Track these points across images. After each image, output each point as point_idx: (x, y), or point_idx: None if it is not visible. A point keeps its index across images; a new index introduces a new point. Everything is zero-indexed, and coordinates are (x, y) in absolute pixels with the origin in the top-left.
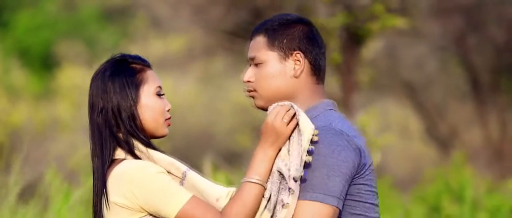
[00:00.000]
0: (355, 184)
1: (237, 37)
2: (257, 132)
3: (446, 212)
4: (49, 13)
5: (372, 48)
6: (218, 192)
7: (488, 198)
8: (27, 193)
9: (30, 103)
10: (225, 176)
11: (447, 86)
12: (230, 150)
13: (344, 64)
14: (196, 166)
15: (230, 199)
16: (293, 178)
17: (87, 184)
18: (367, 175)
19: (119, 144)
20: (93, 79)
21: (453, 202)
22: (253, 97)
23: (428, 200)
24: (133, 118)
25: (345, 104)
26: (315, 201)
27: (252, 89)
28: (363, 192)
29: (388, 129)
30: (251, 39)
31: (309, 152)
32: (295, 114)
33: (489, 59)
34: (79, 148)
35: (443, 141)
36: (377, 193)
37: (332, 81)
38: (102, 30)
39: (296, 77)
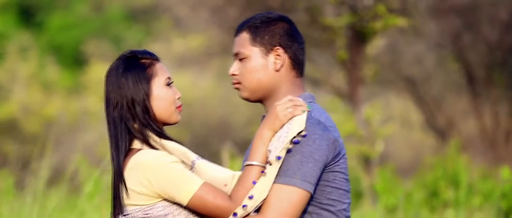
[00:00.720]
0: (331, 171)
1: None
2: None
3: (443, 196)
4: (79, 14)
5: (375, 46)
6: (225, 178)
7: (482, 183)
8: (59, 178)
9: (62, 96)
10: (241, 163)
11: (444, 81)
12: (246, 139)
13: (350, 61)
14: (214, 154)
15: (236, 183)
16: (268, 162)
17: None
18: (342, 163)
19: (135, 135)
20: (107, 76)
21: (450, 187)
22: (238, 89)
23: (427, 185)
24: (147, 110)
25: (351, 98)
26: (288, 184)
27: (237, 82)
28: (338, 179)
29: (390, 120)
30: (235, 36)
31: (294, 142)
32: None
33: (483, 56)
34: (107, 137)
35: (441, 131)
36: (349, 180)
37: (339, 76)
38: (128, 30)
39: (277, 71)
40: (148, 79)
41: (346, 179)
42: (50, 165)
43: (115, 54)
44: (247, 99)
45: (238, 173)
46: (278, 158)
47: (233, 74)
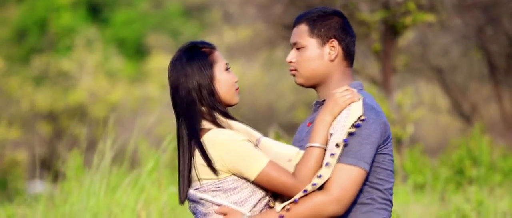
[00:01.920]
0: (381, 154)
1: None
2: (310, 106)
3: (467, 173)
4: (140, 10)
5: (406, 38)
6: (289, 154)
7: (503, 162)
8: (122, 157)
9: (125, 84)
10: (286, 143)
11: (468, 70)
12: (290, 122)
13: (383, 52)
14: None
15: (298, 162)
16: (336, 144)
17: (170, 151)
18: (389, 146)
19: (203, 116)
20: (173, 67)
21: (473, 165)
22: (294, 75)
23: (453, 164)
24: (212, 93)
25: (384, 86)
26: (350, 164)
27: (294, 69)
28: (386, 161)
29: (420, 105)
30: (294, 27)
31: (355, 126)
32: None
33: (504, 47)
34: (165, 120)
35: (465, 115)
36: (393, 162)
37: (374, 66)
38: (184, 24)
39: (331, 61)
40: (211, 66)
41: (392, 161)
42: (114, 145)
43: (173, 46)
44: (301, 85)
45: (302, 151)
46: (345, 141)
47: (291, 62)
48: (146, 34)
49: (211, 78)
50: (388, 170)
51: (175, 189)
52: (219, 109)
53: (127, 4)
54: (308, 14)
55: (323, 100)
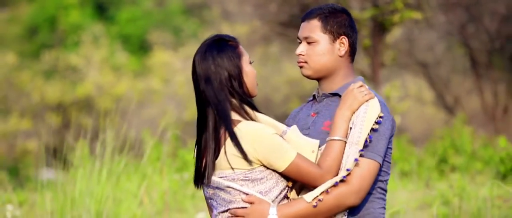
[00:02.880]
0: (388, 148)
1: (288, 27)
2: (305, 99)
3: (450, 162)
4: (144, 8)
5: (394, 35)
6: (311, 145)
7: (483, 151)
8: (126, 147)
9: (130, 78)
10: None
11: (452, 64)
12: (285, 113)
13: (372, 48)
14: None
15: (321, 154)
16: (364, 144)
17: (172, 140)
18: (392, 140)
19: (233, 107)
20: (203, 57)
21: (456, 154)
22: (302, 67)
23: (437, 153)
24: (241, 84)
25: (373, 79)
26: (369, 158)
27: (303, 61)
28: (388, 154)
29: (406, 97)
30: (303, 21)
31: (377, 123)
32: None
33: (485, 44)
34: (167, 112)
35: (448, 107)
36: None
37: (363, 61)
38: (185, 21)
39: (341, 56)
40: (239, 57)
41: (391, 153)
42: (118, 135)
43: (174, 41)
44: (308, 76)
45: (318, 142)
46: (370, 137)
47: (300, 54)
48: (149, 31)
49: (240, 70)
50: (389, 162)
51: (176, 176)
52: (248, 101)
53: (132, 2)
54: (320, 10)
55: (330, 93)
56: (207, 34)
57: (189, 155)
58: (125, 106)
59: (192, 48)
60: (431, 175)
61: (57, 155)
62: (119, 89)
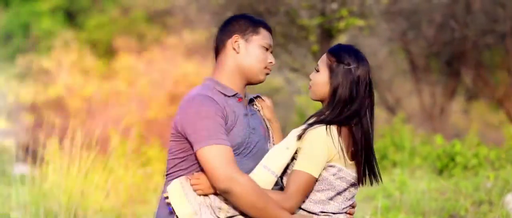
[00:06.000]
0: None
1: None
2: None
3: (391, 158)
4: (111, 16)
5: (340, 41)
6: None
7: (422, 147)
8: (94, 143)
9: (98, 80)
10: None
11: (393, 68)
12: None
13: (320, 53)
14: None
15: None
16: None
17: (136, 137)
18: None
19: None
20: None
21: (396, 151)
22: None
23: (379, 150)
24: None
25: None
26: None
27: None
28: None
29: None
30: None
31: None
32: None
33: (423, 49)
34: (132, 111)
35: (390, 107)
36: None
37: (312, 65)
38: (149, 28)
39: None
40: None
41: None
42: (86, 133)
43: (138, 47)
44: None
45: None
46: None
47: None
48: (115, 37)
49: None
50: None
51: (140, 171)
52: None
53: (99, 10)
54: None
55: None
56: (169, 39)
57: (152, 151)
58: (93, 106)
59: (155, 53)
60: None
61: (30, 152)
62: (87, 91)
